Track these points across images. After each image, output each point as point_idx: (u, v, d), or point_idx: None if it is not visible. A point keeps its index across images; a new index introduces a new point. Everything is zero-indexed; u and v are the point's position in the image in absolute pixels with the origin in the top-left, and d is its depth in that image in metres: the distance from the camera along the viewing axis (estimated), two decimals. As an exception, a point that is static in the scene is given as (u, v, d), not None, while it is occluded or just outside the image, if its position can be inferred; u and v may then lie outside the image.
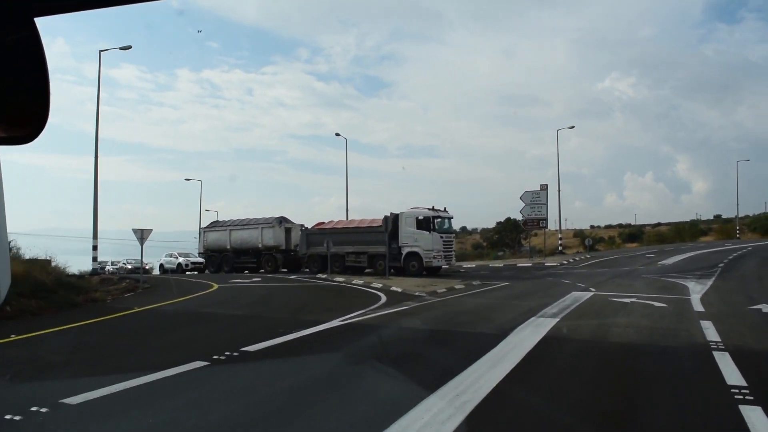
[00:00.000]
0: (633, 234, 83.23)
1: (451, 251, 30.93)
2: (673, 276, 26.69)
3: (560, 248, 54.14)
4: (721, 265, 31.83)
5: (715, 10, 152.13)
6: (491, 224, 75.96)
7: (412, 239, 29.65)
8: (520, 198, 42.76)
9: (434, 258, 29.40)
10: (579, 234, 76.33)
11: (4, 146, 1.27)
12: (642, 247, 64.63)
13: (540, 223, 41.98)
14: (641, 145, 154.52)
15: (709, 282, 23.34)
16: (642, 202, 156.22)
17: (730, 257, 36.85)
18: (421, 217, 29.66)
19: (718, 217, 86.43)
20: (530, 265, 38.49)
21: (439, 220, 30.03)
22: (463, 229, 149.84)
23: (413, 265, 29.67)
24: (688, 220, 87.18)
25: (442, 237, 29.76)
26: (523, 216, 42.66)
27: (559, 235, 55.36)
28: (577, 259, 41.39)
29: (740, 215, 67.85)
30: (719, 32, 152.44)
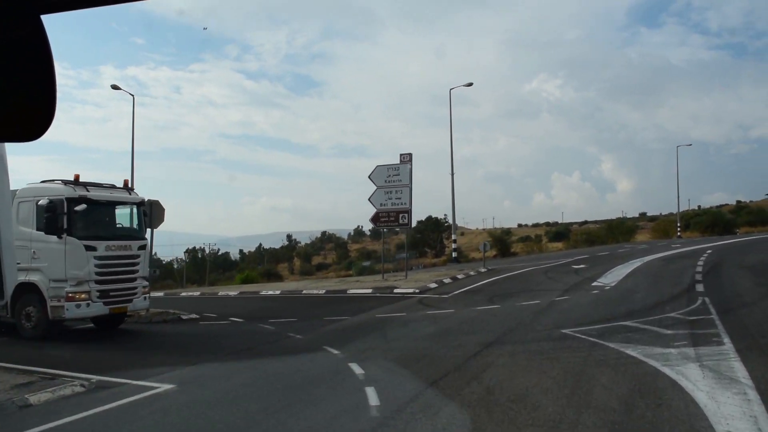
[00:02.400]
0: (560, 232, 70.61)
1: (133, 282, 14.17)
2: (629, 335, 11.03)
3: (454, 254, 38.35)
4: (700, 290, 16.49)
5: (638, 14, 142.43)
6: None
7: (27, 254, 12.80)
8: (369, 177, 26.52)
9: (75, 300, 12.67)
10: (495, 236, 61.24)
11: (11, 143, 1.39)
12: (569, 249, 49.73)
13: (401, 217, 25.76)
14: (568, 146, 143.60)
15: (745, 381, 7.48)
16: (569, 201, 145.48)
17: (699, 269, 21.74)
18: (44, 203, 12.77)
19: (643, 214, 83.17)
20: (348, 293, 22.50)
21: (92, 208, 13.36)
22: (390, 228, 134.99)
23: (29, 318, 12.90)
24: (615, 218, 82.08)
25: (103, 251, 13.16)
26: (374, 206, 26.40)
27: (453, 237, 39.55)
28: (460, 277, 25.36)
29: (664, 213, 55.82)
30: (642, 35, 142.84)
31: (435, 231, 62.27)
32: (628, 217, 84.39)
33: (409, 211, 25.88)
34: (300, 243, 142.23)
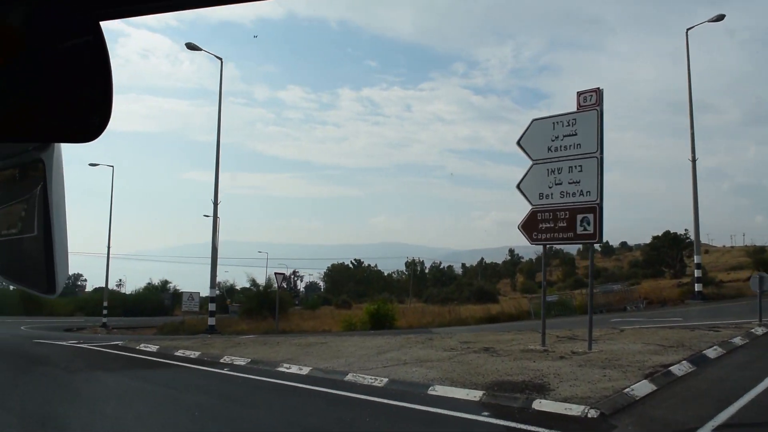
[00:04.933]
0: None
1: None
2: None
3: (697, 287, 23.44)
4: None
5: None
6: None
7: None
8: (519, 144, 13.86)
9: None
10: (759, 253, 43.00)
11: (69, 143, 1.40)
12: None
13: (581, 222, 12.65)
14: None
15: None
16: None
17: None
18: None
19: None
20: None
21: None
22: (623, 244, 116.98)
23: None
24: None
25: None
26: (528, 199, 13.64)
27: (696, 259, 24.50)
28: (710, 355, 11.41)
29: None
30: None
31: (673, 248, 58.39)
32: None
33: (597, 210, 12.61)
34: (523, 258, 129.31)
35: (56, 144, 1.54)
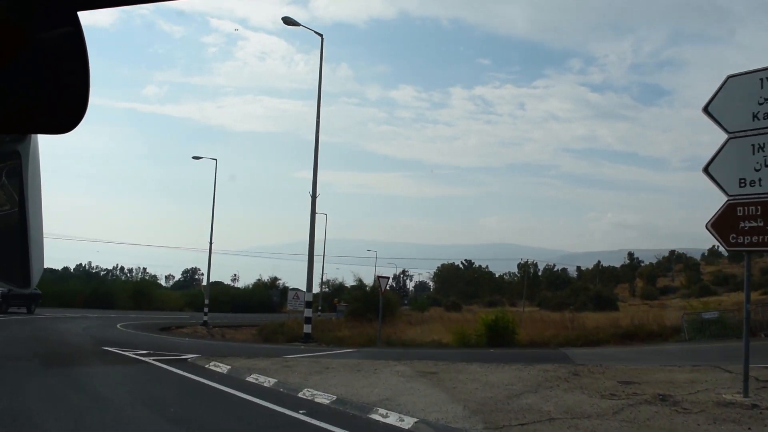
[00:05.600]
0: None
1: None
2: None
3: None
4: None
5: None
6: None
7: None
8: (706, 111, 9.34)
9: None
10: None
11: (45, 135, 1.37)
12: None
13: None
14: None
15: None
16: None
17: None
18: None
19: None
20: None
21: None
22: None
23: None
24: None
25: None
26: (722, 188, 9.13)
27: None
28: None
29: None
30: None
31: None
32: None
33: None
34: (643, 262, 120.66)
35: (33, 136, 1.46)
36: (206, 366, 14.25)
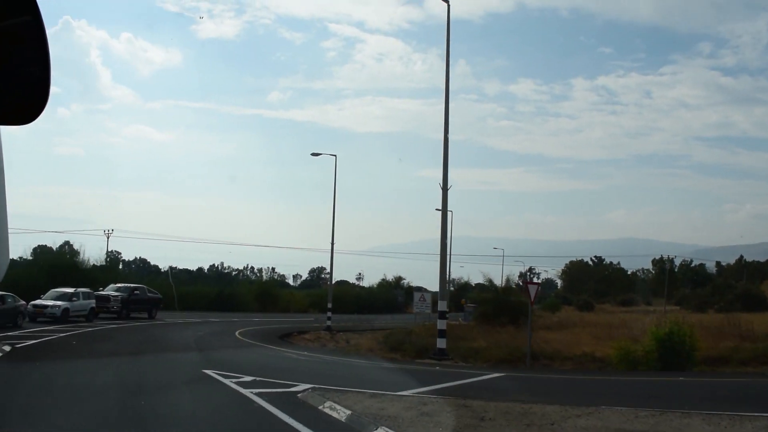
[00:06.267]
0: None
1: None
2: None
3: None
4: None
5: None
6: None
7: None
8: None
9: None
10: None
11: (6, 126, 1.31)
12: None
13: None
14: None
15: None
16: None
17: None
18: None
19: None
20: None
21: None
22: None
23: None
24: None
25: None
26: None
27: None
28: None
29: None
30: None
31: None
32: None
33: None
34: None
35: None
36: (320, 407, 10.81)
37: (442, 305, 21.74)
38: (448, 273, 64.84)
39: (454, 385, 14.85)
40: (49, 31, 1.34)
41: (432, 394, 12.89)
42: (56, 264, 39.52)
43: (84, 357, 17.25)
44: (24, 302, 25.74)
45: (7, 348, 17.79)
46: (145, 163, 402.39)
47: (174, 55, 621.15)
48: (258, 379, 13.83)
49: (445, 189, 21.94)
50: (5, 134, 1.43)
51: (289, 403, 11.20)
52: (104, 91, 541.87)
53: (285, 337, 31.24)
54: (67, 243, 67.09)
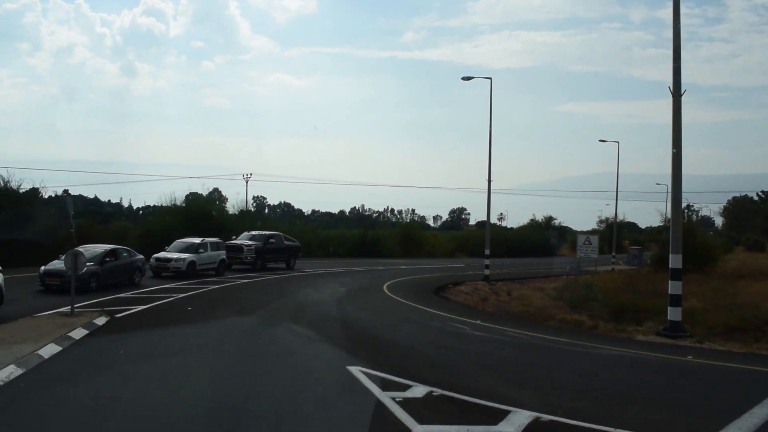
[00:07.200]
0: None
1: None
2: None
3: None
4: None
5: None
6: None
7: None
8: None
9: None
10: None
11: None
12: None
13: None
14: None
15: None
16: None
17: None
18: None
19: None
20: None
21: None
22: None
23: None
24: None
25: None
26: None
27: None
28: None
29: None
30: None
31: None
32: None
33: None
34: None
35: None
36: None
37: (675, 260, 14.98)
38: (616, 212, 56.75)
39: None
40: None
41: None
42: (203, 211, 36.73)
43: (188, 339, 12.79)
44: (142, 256, 22.33)
45: (101, 321, 13.73)
46: (287, 110, 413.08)
47: (309, 2, 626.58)
48: (436, 392, 8.34)
49: (677, 95, 15.03)
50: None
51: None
52: (244, 41, 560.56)
53: (440, 292, 26.10)
54: (216, 189, 66.83)
